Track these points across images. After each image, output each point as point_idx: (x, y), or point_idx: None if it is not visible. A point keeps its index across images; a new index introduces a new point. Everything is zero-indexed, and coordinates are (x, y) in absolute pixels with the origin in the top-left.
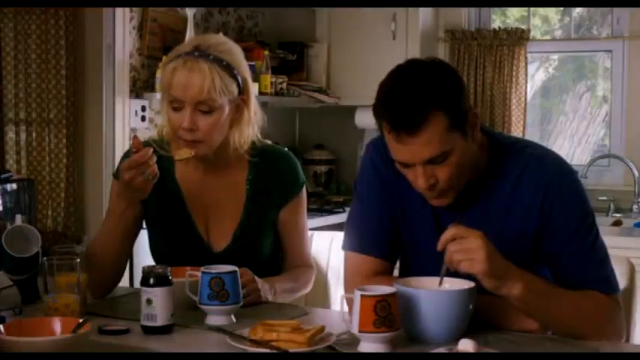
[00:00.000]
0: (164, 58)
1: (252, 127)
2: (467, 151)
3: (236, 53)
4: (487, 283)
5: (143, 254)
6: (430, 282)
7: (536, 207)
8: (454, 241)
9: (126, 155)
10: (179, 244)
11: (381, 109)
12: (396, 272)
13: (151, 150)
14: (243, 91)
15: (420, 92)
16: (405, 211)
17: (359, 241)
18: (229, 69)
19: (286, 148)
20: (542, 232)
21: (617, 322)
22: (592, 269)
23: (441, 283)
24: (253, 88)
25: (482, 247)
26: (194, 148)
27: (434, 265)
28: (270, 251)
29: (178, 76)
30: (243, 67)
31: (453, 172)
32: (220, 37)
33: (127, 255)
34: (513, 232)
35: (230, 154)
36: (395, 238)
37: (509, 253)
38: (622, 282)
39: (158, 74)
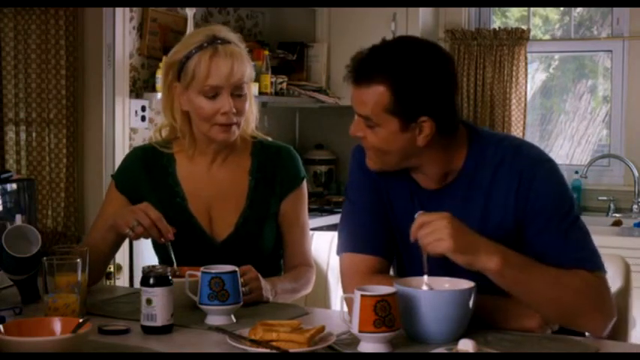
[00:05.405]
0: (164, 57)
1: (252, 113)
2: (397, 141)
3: (242, 42)
4: (458, 259)
5: (144, 254)
6: (430, 281)
7: (512, 195)
8: (422, 227)
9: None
10: (181, 240)
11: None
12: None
13: (171, 235)
14: None
15: (379, 58)
16: (394, 210)
17: (354, 241)
18: (247, 55)
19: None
20: (521, 220)
21: (607, 300)
22: (574, 249)
23: (425, 271)
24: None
25: (446, 226)
26: (228, 132)
27: None
28: (271, 246)
29: (218, 63)
30: None
31: (377, 145)
32: (224, 27)
33: (115, 250)
34: (495, 221)
35: (237, 140)
36: (389, 235)
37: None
38: (618, 281)
39: (158, 74)
